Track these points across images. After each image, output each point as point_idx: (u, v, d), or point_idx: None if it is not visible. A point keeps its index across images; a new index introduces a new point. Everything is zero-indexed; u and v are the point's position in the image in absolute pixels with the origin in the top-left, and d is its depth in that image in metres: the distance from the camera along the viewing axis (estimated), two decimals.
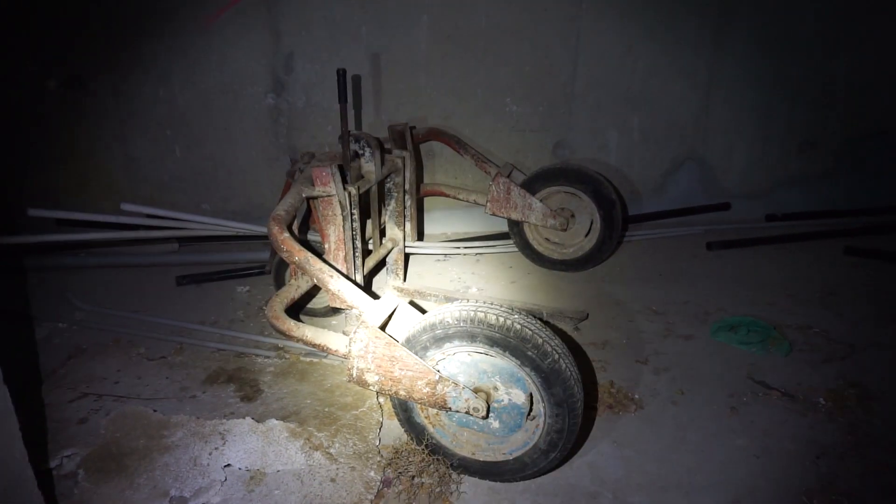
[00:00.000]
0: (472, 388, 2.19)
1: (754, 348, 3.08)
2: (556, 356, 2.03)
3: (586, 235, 3.80)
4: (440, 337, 2.11)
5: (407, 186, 3.46)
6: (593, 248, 3.75)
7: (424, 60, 3.98)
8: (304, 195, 2.66)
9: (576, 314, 3.30)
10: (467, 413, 2.14)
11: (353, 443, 2.41)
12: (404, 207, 3.46)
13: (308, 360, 2.96)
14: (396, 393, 2.21)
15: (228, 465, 2.28)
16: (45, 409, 2.62)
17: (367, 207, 3.21)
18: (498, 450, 2.26)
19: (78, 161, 4.00)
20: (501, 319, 2.04)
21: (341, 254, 2.81)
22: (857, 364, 2.97)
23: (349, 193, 2.77)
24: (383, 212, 3.41)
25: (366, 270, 3.11)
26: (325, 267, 2.30)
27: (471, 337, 2.08)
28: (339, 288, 2.28)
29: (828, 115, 4.44)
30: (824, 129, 4.49)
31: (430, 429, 2.31)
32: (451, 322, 2.08)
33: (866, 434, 2.53)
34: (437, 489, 2.23)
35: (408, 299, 3.55)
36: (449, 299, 3.48)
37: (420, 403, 2.21)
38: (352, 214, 2.84)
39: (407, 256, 3.76)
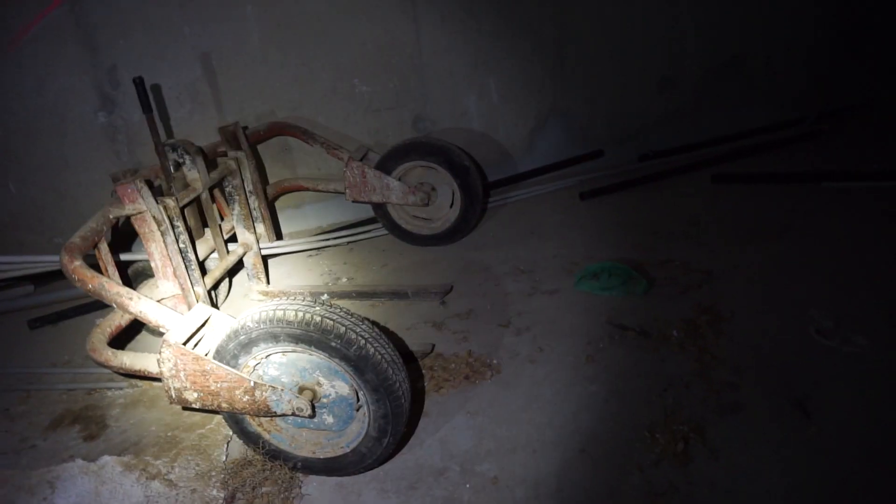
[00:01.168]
0: (296, 387, 2.12)
1: (615, 292, 3.09)
2: (363, 342, 1.96)
3: (451, 206, 3.75)
4: (245, 343, 2.03)
5: (250, 187, 3.33)
6: (458, 218, 3.71)
7: (260, 53, 3.83)
8: (111, 216, 2.51)
9: (440, 288, 3.26)
10: (293, 414, 2.08)
11: (196, 464, 2.31)
12: (250, 209, 3.33)
13: (160, 384, 2.83)
14: (219, 407, 2.12)
15: None
16: None
17: (204, 216, 3.07)
18: (337, 444, 2.20)
19: None
20: (300, 315, 1.96)
21: (170, 270, 2.68)
22: (711, 290, 3.02)
23: (165, 207, 2.63)
24: (231, 217, 3.28)
25: (212, 281, 2.98)
26: (124, 290, 2.17)
27: (274, 337, 2.00)
28: (141, 310, 2.16)
29: (679, 50, 4.48)
30: (680, 65, 4.53)
31: (266, 436, 2.23)
32: (251, 326, 2.00)
33: (713, 357, 2.57)
34: (281, 495, 2.16)
35: (272, 301, 3.47)
36: (315, 295, 3.39)
37: (245, 413, 2.13)
38: (174, 227, 2.70)
39: (266, 259, 3.65)
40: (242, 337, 2.02)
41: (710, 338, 2.69)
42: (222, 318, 2.21)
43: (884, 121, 4.70)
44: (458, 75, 4.19)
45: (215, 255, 3.13)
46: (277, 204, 4.14)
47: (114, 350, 2.32)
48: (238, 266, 3.48)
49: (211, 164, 3.24)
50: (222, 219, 3.34)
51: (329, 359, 2.00)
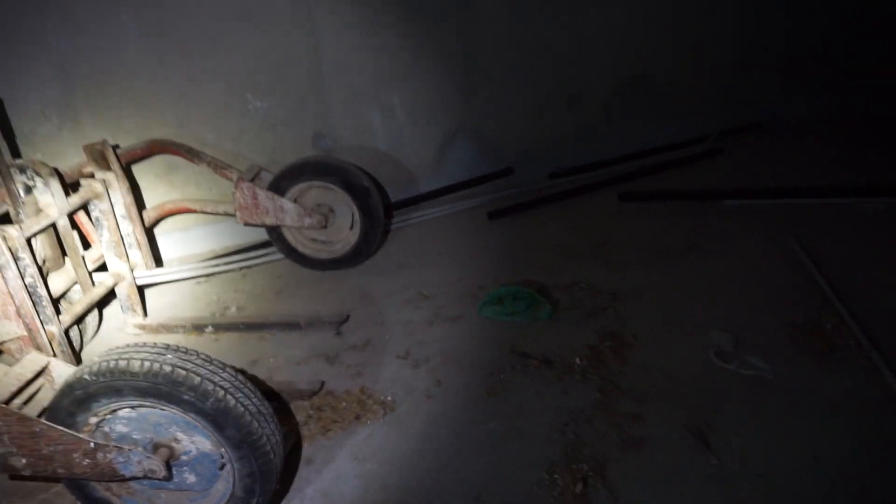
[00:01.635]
0: (150, 444, 1.85)
1: (519, 317, 2.96)
2: (221, 393, 1.72)
3: (351, 229, 3.54)
4: (82, 398, 1.74)
5: (122, 211, 3.01)
6: (358, 240, 3.50)
7: (139, 65, 3.50)
8: None
9: (335, 317, 3.03)
10: (146, 477, 1.80)
11: None
12: (122, 236, 3.00)
13: None
14: (55, 473, 1.82)
15: None
16: None
17: (63, 245, 2.73)
18: None
19: None
20: (147, 365, 1.69)
21: (12, 309, 2.33)
22: (616, 313, 2.94)
23: (4, 237, 2.29)
24: (99, 244, 2.94)
25: (71, 318, 2.64)
26: None
27: (117, 391, 1.72)
28: None
29: (586, 67, 4.47)
30: (587, 81, 4.52)
31: (117, 501, 1.94)
32: (89, 379, 1.72)
33: (616, 387, 2.47)
34: None
35: (150, 336, 3.15)
36: (197, 327, 3.09)
37: (87, 479, 1.83)
38: (17, 260, 2.36)
39: (143, 288, 3.32)
40: (78, 392, 1.73)
41: (613, 365, 2.60)
42: (61, 368, 1.91)
43: (775, 139, 4.85)
44: (360, 91, 4.00)
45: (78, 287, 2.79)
46: (163, 227, 3.80)
47: None
48: (111, 296, 3.13)
49: (76, 187, 2.91)
50: (89, 246, 2.99)
51: (183, 413, 1.74)
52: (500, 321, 2.97)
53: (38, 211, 2.57)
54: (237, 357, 2.89)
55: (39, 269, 2.48)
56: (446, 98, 4.22)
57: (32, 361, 1.88)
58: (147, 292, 3.48)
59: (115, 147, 3.10)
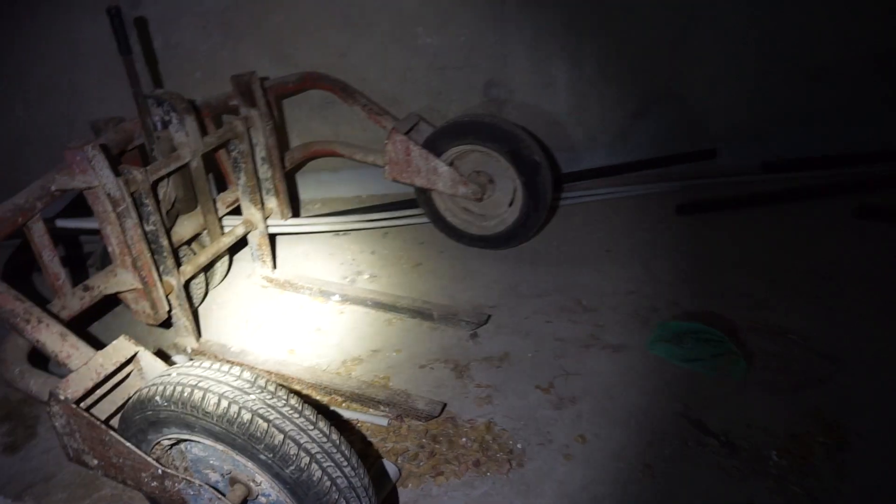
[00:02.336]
0: (228, 475, 1.54)
1: (701, 367, 2.31)
2: (306, 460, 1.33)
3: (510, 205, 3.00)
4: (153, 420, 1.44)
5: (262, 154, 2.70)
6: (516, 221, 2.96)
7: None
8: (53, 188, 1.96)
9: (474, 316, 2.57)
10: None
11: None
12: (258, 180, 2.72)
13: None
14: (125, 483, 1.58)
15: None
16: None
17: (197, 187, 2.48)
18: None
19: None
20: (224, 406, 1.34)
21: (129, 259, 2.12)
22: (838, 391, 2.19)
23: (128, 181, 2.05)
24: (236, 187, 2.68)
25: (194, 269, 2.43)
26: (20, 307, 1.62)
27: (188, 426, 1.40)
28: (38, 339, 1.61)
29: (829, 34, 3.37)
30: (830, 52, 3.44)
31: None
32: (160, 403, 1.40)
33: None
34: None
35: (276, 290, 2.91)
36: (324, 293, 2.79)
37: (157, 499, 1.58)
38: (141, 207, 2.13)
39: (274, 237, 3.06)
40: (149, 413, 1.43)
41: (825, 475, 1.90)
42: (148, 360, 1.63)
43: None
44: (547, 35, 3.33)
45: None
46: (311, 164, 3.51)
47: (29, 367, 1.80)
48: (243, 241, 2.90)
49: (219, 121, 2.64)
50: (225, 187, 2.75)
51: (259, 470, 1.39)
52: (674, 366, 2.34)
53: (172, 149, 2.31)
54: (358, 342, 2.55)
55: (162, 217, 2.24)
56: (650, 52, 3.41)
57: (119, 351, 1.62)
58: (281, 239, 3.24)
59: (264, 79, 2.76)
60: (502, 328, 2.59)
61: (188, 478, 1.46)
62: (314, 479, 1.33)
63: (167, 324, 2.46)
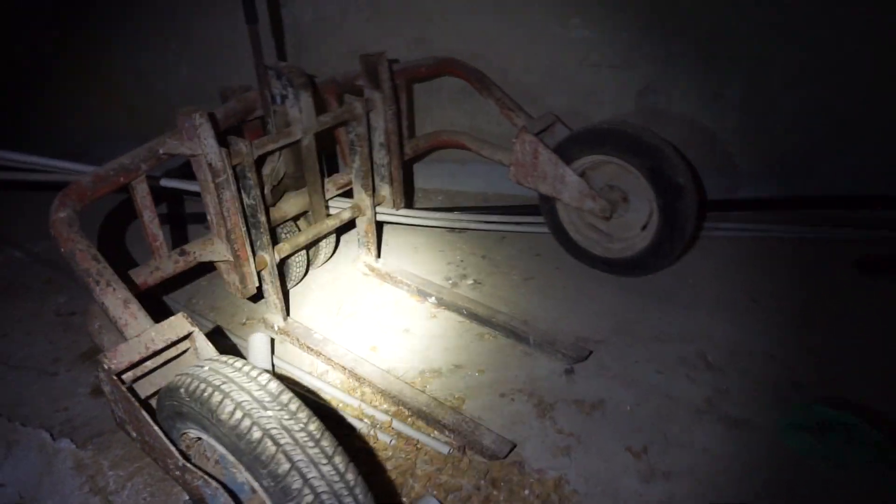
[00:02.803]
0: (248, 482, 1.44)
1: (847, 475, 1.83)
2: (309, 500, 1.17)
3: (642, 229, 2.63)
4: (178, 412, 1.37)
5: (381, 139, 2.59)
6: (647, 248, 2.58)
7: None
8: (161, 152, 1.98)
9: (573, 350, 2.27)
10: None
11: (149, 496, 1.80)
12: (373, 166, 2.61)
13: None
14: (157, 463, 1.54)
15: (2, 485, 1.83)
16: None
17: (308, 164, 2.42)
18: None
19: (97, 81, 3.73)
20: (237, 418, 1.22)
21: (223, 231, 2.11)
22: None
23: (232, 153, 2.02)
24: (350, 168, 2.60)
25: (291, 248, 2.38)
26: (94, 267, 1.63)
27: (203, 428, 1.31)
28: (103, 301, 1.60)
29: None
30: None
31: None
32: (183, 396, 1.33)
33: None
34: None
35: (376, 280, 2.80)
36: (421, 293, 2.64)
37: (182, 488, 1.52)
38: (243, 180, 2.10)
39: (381, 225, 2.95)
40: (175, 402, 1.36)
41: None
42: (202, 343, 1.57)
43: None
44: (724, 39, 2.85)
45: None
46: (439, 154, 3.37)
47: (108, 324, 1.84)
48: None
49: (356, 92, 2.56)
50: (332, 170, 2.68)
51: (262, 493, 1.26)
52: (807, 463, 1.88)
53: (286, 124, 2.27)
54: (442, 353, 2.36)
55: (263, 193, 2.20)
56: (854, 71, 2.80)
57: (174, 328, 1.58)
58: (396, 227, 3.13)
59: (394, 61, 2.64)
60: (604, 370, 2.27)
61: (205, 477, 1.37)
62: None
63: (260, 297, 2.46)
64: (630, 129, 2.47)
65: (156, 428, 1.42)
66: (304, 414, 1.26)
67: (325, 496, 1.19)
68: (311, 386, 2.20)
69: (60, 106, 3.98)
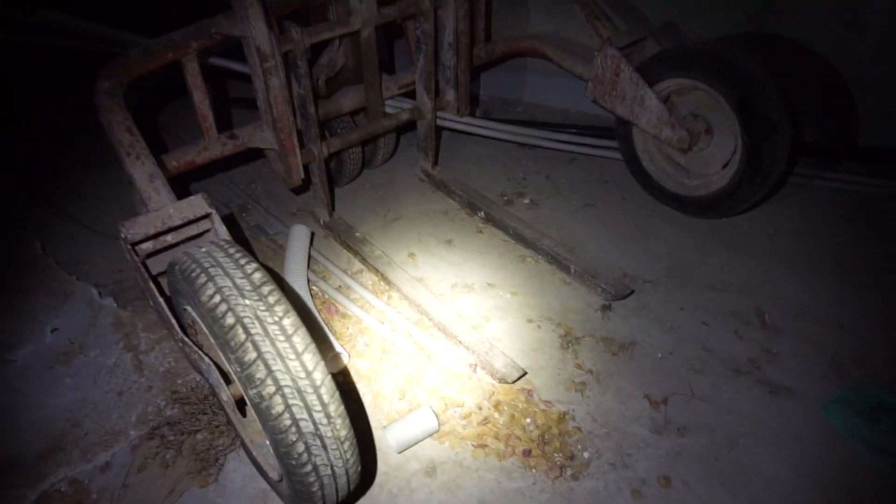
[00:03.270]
0: None
1: (890, 468, 1.64)
2: (271, 390, 1.20)
3: (723, 167, 2.36)
4: (176, 288, 1.43)
5: (449, 38, 2.44)
6: (724, 188, 2.33)
7: None
8: (213, 30, 1.96)
9: (613, 287, 2.14)
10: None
11: (173, 361, 1.93)
12: (437, 67, 2.48)
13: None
14: (167, 331, 1.64)
15: (56, 329, 2.03)
16: None
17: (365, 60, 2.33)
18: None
19: None
20: (216, 301, 1.25)
21: (270, 119, 2.10)
22: None
23: (281, 39, 1.97)
24: (415, 67, 2.49)
25: (342, 144, 2.36)
26: (126, 139, 1.68)
27: (192, 306, 1.35)
28: (131, 173, 1.66)
29: None
30: None
31: None
32: (177, 274, 1.37)
33: None
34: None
35: (430, 187, 2.74)
36: (472, 206, 2.56)
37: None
38: (294, 68, 2.06)
39: (440, 132, 2.84)
40: (173, 279, 1.41)
41: None
42: (218, 224, 1.60)
43: None
44: None
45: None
46: (522, 62, 3.15)
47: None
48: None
49: None
50: (388, 71, 2.57)
51: (235, 377, 1.29)
52: (848, 448, 1.70)
53: (348, 13, 2.18)
54: (479, 269, 2.30)
55: (313, 83, 2.16)
56: None
57: (193, 207, 1.61)
58: (463, 136, 3.01)
59: None
60: (644, 310, 2.12)
61: (199, 353, 1.43)
62: (273, 412, 1.19)
63: (308, 189, 2.48)
64: (721, 52, 2.16)
65: (160, 300, 1.48)
66: (281, 308, 1.26)
67: (287, 390, 1.20)
68: (341, 282, 2.23)
69: None
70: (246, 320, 1.22)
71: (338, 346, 1.91)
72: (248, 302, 1.24)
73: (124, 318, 2.04)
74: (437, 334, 2.04)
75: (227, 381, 1.44)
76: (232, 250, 1.37)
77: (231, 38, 1.98)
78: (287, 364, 1.21)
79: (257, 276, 1.31)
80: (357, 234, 2.39)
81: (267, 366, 1.19)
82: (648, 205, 2.60)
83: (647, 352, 1.98)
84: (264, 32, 1.92)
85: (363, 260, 2.30)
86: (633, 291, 2.16)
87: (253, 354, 1.20)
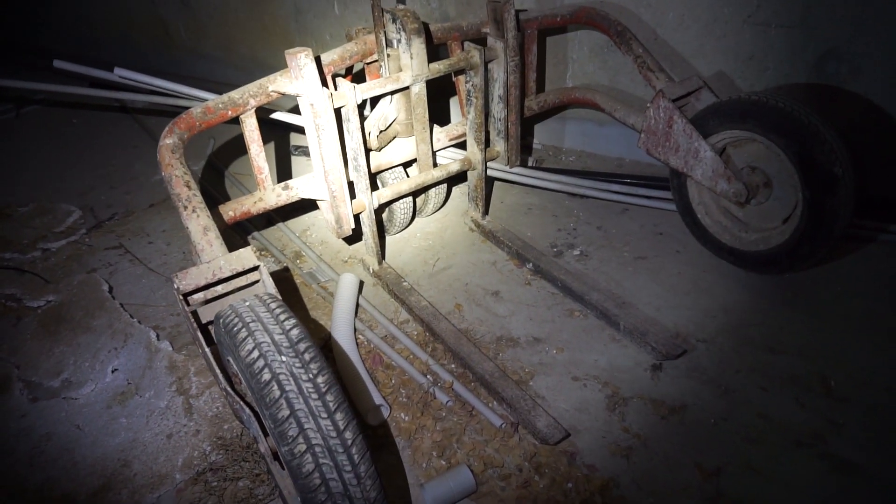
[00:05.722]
0: None
1: None
2: (302, 448, 1.21)
3: (784, 222, 2.27)
4: (219, 340, 1.47)
5: (499, 91, 2.48)
6: (784, 244, 2.23)
7: None
8: (270, 89, 2.06)
9: (665, 346, 2.06)
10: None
11: (221, 406, 1.98)
12: (487, 119, 2.51)
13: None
14: (214, 378, 1.68)
15: (116, 369, 2.12)
16: None
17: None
18: None
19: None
20: (254, 356, 1.29)
21: (323, 170, 2.18)
22: None
23: (334, 96, 2.05)
24: (465, 120, 2.53)
25: (392, 195, 2.41)
26: (185, 193, 1.76)
27: (233, 359, 1.38)
28: (187, 226, 1.73)
29: None
30: None
31: None
32: (220, 327, 1.41)
33: None
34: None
35: (479, 237, 2.74)
36: (521, 257, 2.55)
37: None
38: (345, 123, 2.13)
39: (491, 182, 2.84)
40: (217, 331, 1.46)
41: None
42: (266, 276, 1.65)
43: None
44: None
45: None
46: (576, 112, 3.16)
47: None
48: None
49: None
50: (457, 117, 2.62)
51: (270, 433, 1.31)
52: None
53: (399, 69, 2.25)
54: (526, 323, 2.27)
55: (365, 137, 2.22)
56: None
57: (241, 258, 1.67)
58: (515, 186, 3.02)
59: (521, 11, 2.47)
60: (696, 372, 2.03)
61: (241, 403, 1.46)
62: (303, 471, 1.20)
63: (359, 239, 2.53)
64: (778, 103, 2.10)
65: (207, 349, 1.53)
66: (315, 365, 1.28)
67: (317, 448, 1.21)
68: (387, 332, 2.24)
69: (230, 36, 4.33)
70: (281, 377, 1.24)
71: (379, 398, 1.92)
72: (284, 358, 1.27)
73: (178, 362, 2.11)
74: (479, 389, 2.02)
75: (265, 433, 1.46)
76: (273, 305, 1.41)
77: (287, 95, 2.08)
78: (319, 423, 1.22)
79: (295, 332, 1.34)
80: (405, 284, 2.41)
81: (299, 423, 1.21)
82: (704, 259, 2.52)
83: (698, 416, 1.89)
84: (318, 90, 2.00)
85: (409, 310, 2.32)
86: (685, 351, 2.07)
87: (286, 412, 1.21)
